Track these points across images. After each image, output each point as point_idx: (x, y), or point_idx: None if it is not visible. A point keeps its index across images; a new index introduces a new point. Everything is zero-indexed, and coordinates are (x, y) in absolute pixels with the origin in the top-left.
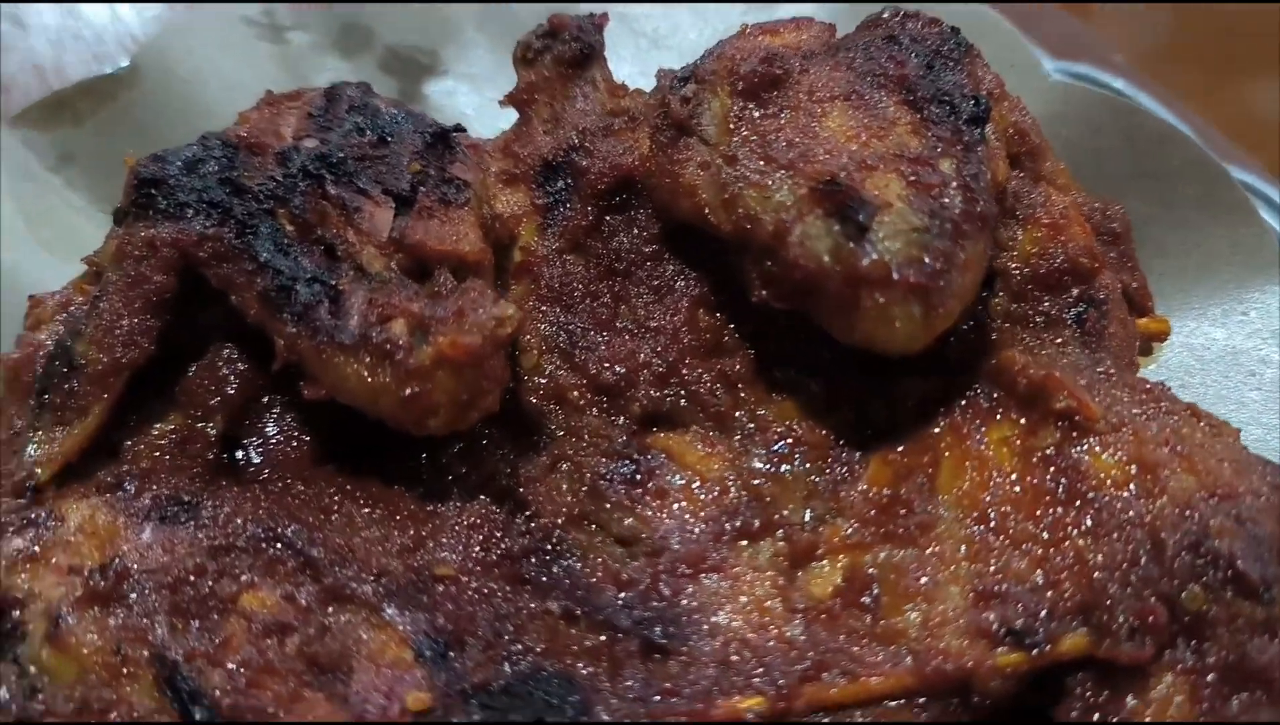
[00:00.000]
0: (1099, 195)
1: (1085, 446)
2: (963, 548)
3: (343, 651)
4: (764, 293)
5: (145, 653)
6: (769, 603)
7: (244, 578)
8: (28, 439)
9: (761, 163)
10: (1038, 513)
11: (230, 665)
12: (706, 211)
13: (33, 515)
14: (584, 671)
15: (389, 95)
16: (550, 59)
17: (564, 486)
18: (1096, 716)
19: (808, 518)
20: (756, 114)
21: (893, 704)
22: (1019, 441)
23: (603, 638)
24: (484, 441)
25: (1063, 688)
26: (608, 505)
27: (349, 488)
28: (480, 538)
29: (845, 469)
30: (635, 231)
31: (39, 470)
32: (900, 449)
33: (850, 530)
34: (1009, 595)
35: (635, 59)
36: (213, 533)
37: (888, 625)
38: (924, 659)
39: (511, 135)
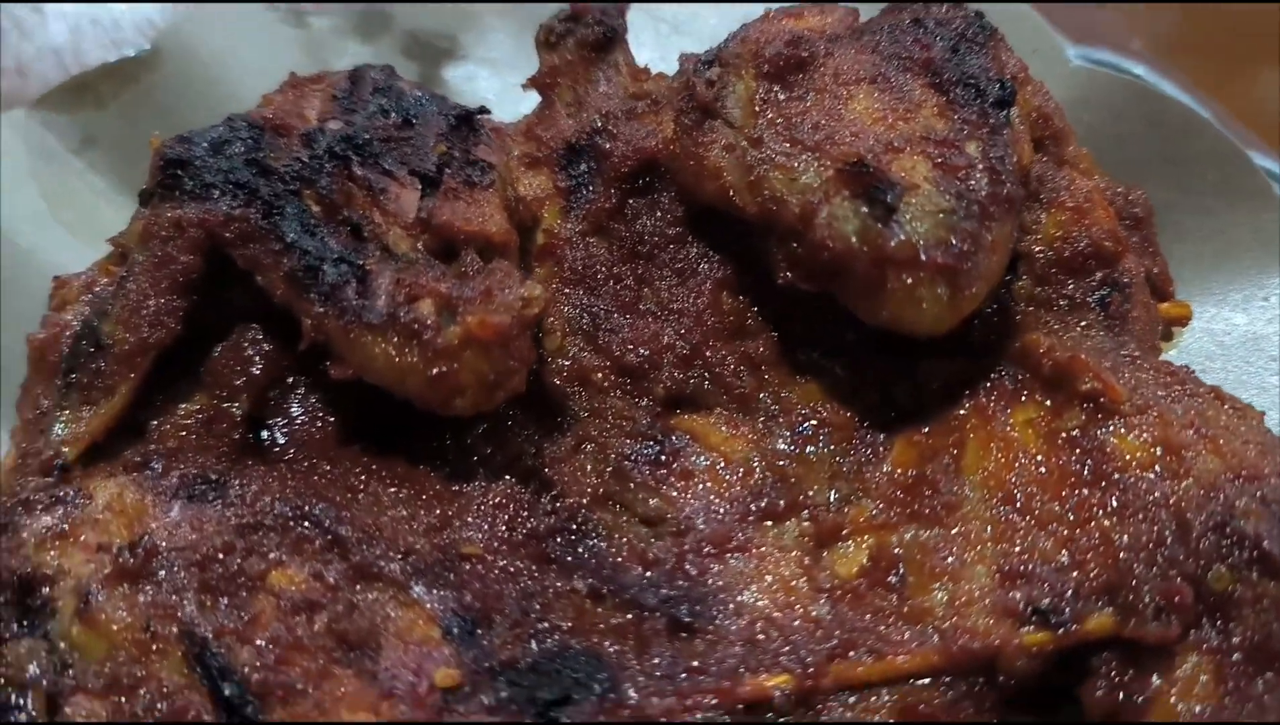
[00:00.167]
0: (1121, 180)
1: (1110, 428)
2: (988, 528)
3: (371, 629)
4: (789, 274)
5: (174, 629)
6: (795, 582)
7: (272, 556)
8: (54, 418)
9: (787, 145)
10: (1063, 493)
11: (259, 642)
12: (731, 194)
13: (61, 493)
14: (611, 649)
15: (410, 80)
16: (573, 43)
17: (589, 467)
18: (1121, 696)
19: (833, 498)
20: (782, 96)
21: (919, 683)
22: (1044, 423)
23: (629, 616)
24: (509, 422)
25: (1088, 667)
26: (632, 486)
27: (375, 467)
28: (506, 517)
29: (870, 450)
30: (658, 214)
31: (66, 449)
32: (925, 430)
33: (875, 510)
34: (1035, 575)
35: (655, 44)
36: (240, 511)
37: (914, 605)
38: (950, 638)
39: (534, 119)
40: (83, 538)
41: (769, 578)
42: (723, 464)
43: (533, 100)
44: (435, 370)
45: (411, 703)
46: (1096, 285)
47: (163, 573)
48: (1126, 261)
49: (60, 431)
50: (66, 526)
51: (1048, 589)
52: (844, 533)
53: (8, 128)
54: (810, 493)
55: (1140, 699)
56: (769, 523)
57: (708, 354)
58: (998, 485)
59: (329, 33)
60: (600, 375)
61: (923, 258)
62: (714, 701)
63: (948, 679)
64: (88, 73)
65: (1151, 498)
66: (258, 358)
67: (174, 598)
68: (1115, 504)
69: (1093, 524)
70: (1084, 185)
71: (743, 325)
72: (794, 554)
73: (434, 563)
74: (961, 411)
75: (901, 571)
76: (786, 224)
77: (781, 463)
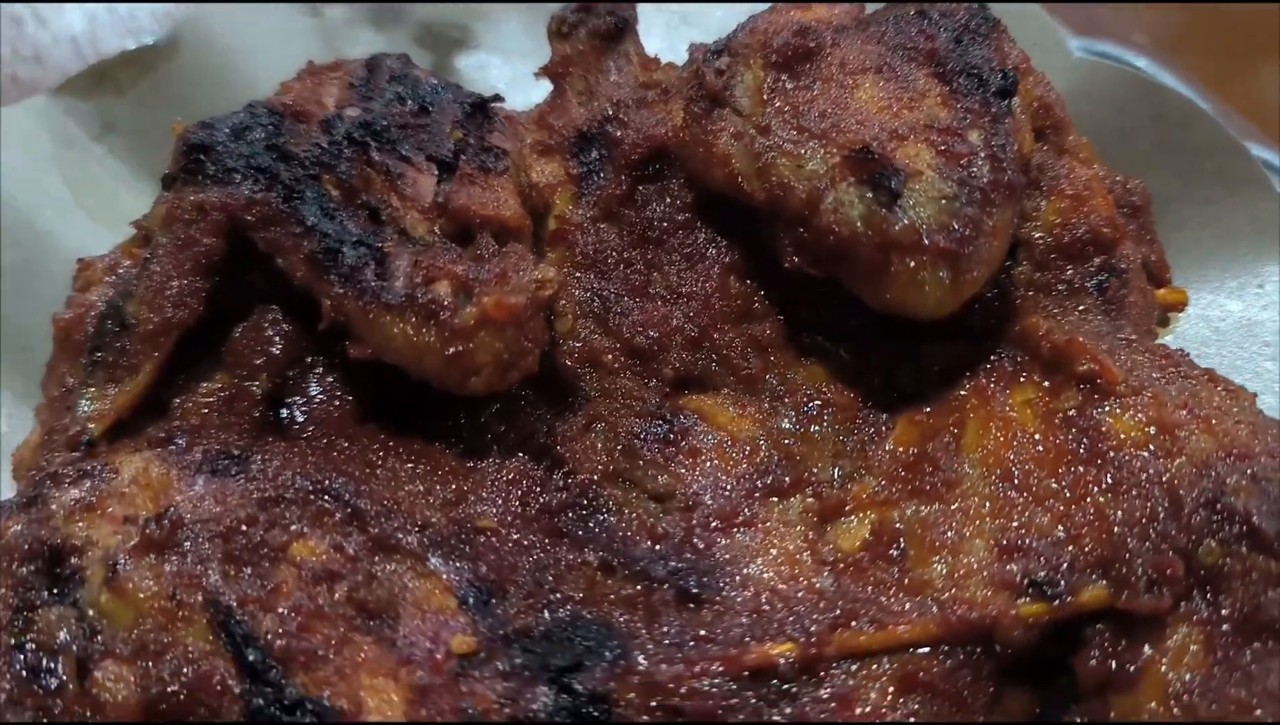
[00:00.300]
0: (1121, 170)
1: (1106, 408)
2: (987, 504)
3: (390, 598)
4: (796, 259)
5: (199, 598)
6: (799, 555)
7: (293, 528)
8: (80, 395)
9: (794, 133)
10: (1060, 471)
11: (281, 610)
12: (740, 180)
13: (88, 467)
14: (621, 619)
15: (424, 68)
16: (585, 32)
17: (599, 445)
18: (1114, 665)
19: (836, 475)
20: (789, 85)
21: (919, 651)
22: (1042, 403)
23: (639, 587)
24: (521, 402)
25: (1082, 638)
26: (642, 463)
27: (392, 445)
28: (519, 493)
29: (873, 429)
30: (668, 200)
31: (92, 425)
32: (927, 410)
33: (878, 487)
34: (1031, 549)
35: (665, 35)
36: (262, 485)
37: (914, 577)
38: (949, 609)
39: (546, 107)
40: (110, 510)
41: (774, 551)
42: (730, 442)
43: (543, 89)
44: (452, 350)
45: (429, 668)
46: (1094, 271)
47: (188, 543)
48: (1124, 248)
49: (86, 408)
50: (94, 499)
51: (1044, 562)
52: (847, 508)
53: (30, 114)
54: (814, 470)
55: (1132, 668)
56: (774, 498)
57: (715, 336)
58: (996, 463)
59: (343, 23)
60: (611, 357)
61: (926, 242)
62: (720, 668)
63: (946, 648)
64: (107, 61)
65: (1145, 475)
66: (277, 338)
67: (199, 568)
68: (1110, 481)
69: (1088, 500)
70: (1083, 174)
71: (750, 309)
72: (798, 528)
73: (450, 535)
74: (962, 392)
75: (902, 545)
76: (793, 210)
77: (787, 441)
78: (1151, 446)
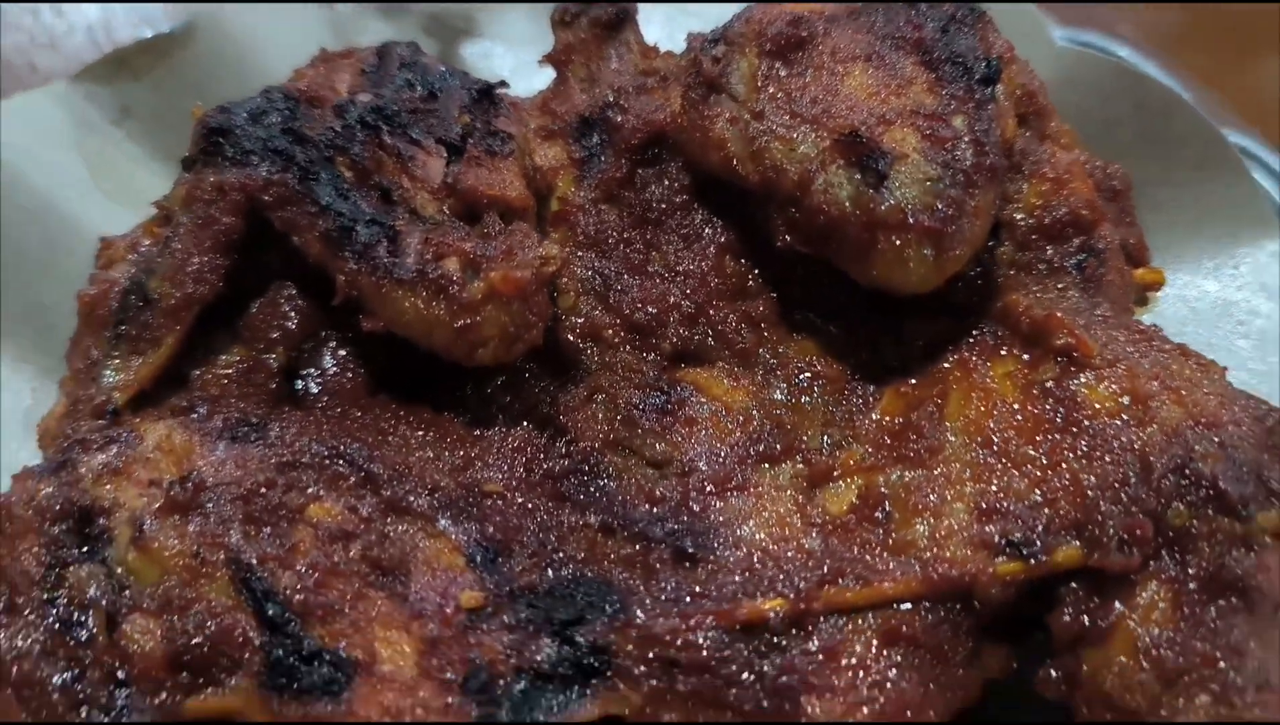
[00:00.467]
0: (1103, 156)
1: (1082, 380)
2: (968, 469)
3: (401, 556)
4: (788, 238)
5: (221, 556)
6: (789, 518)
7: (310, 490)
8: (105, 366)
9: (787, 118)
10: (1037, 438)
11: (299, 567)
12: (735, 163)
13: (114, 434)
14: (621, 577)
15: (431, 56)
16: (586, 21)
17: (600, 415)
18: (1086, 621)
19: (825, 443)
20: (783, 73)
21: (902, 607)
22: (1021, 375)
23: (637, 547)
24: (526, 374)
25: (1056, 596)
26: (640, 431)
27: (403, 414)
28: (524, 459)
29: (860, 400)
30: (666, 183)
31: (117, 395)
32: (912, 382)
33: (864, 454)
34: (1009, 512)
35: (664, 23)
36: (280, 451)
37: (898, 538)
38: (931, 567)
39: (549, 93)
40: (135, 473)
41: (765, 514)
42: (724, 412)
43: (546, 76)
44: (460, 323)
45: (439, 622)
46: (1074, 251)
47: (210, 505)
48: (1102, 229)
49: (111, 378)
50: (120, 463)
51: (1020, 524)
52: (835, 474)
53: (51, 99)
54: (804, 438)
55: (1104, 624)
56: (766, 465)
57: (711, 313)
58: (977, 431)
59: (353, 12)
60: (611, 332)
61: (910, 221)
62: (714, 622)
63: (927, 605)
64: (125, 48)
65: (1118, 442)
66: (293, 313)
67: (220, 528)
68: (1084, 448)
69: (1063, 466)
70: (1064, 158)
71: (744, 286)
72: (789, 493)
73: (458, 499)
74: (946, 365)
75: (887, 508)
76: (785, 191)
77: (778, 411)
78: (1124, 416)
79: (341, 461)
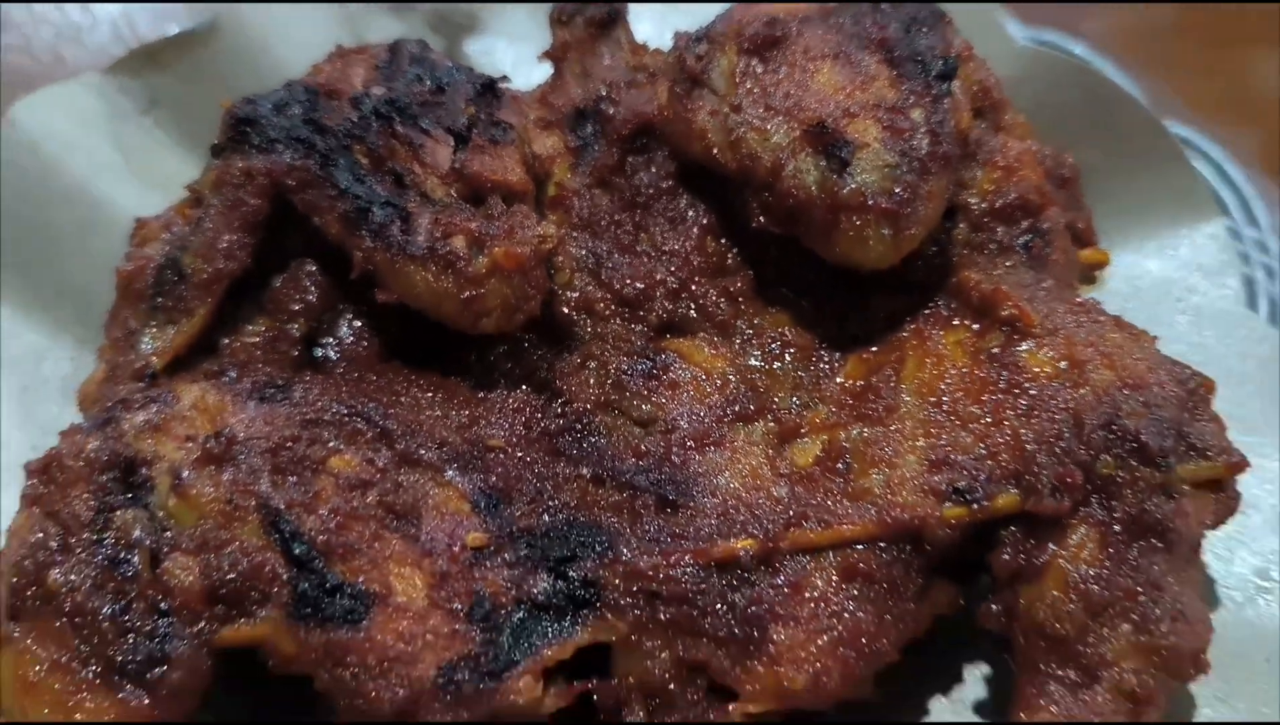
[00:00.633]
0: (1056, 145)
1: (1024, 347)
2: (920, 426)
3: (414, 503)
4: (762, 220)
5: (252, 502)
6: (760, 469)
7: (331, 444)
8: (142, 335)
9: (762, 110)
10: (983, 398)
11: (322, 512)
12: (715, 152)
13: (153, 394)
14: (609, 521)
15: (438, 52)
16: (582, 20)
17: (592, 380)
18: (1023, 559)
19: (794, 404)
20: (759, 69)
21: (859, 547)
22: (970, 343)
23: (624, 495)
24: (525, 343)
25: (997, 538)
26: (628, 394)
27: (413, 377)
28: (523, 418)
29: (826, 366)
30: (653, 170)
31: (155, 360)
32: (873, 349)
33: (829, 414)
34: (956, 463)
35: (654, 22)
36: (303, 409)
37: (856, 486)
38: (885, 512)
39: (547, 87)
40: (173, 429)
41: (739, 466)
42: (704, 377)
43: (544, 71)
44: (466, 295)
45: (447, 559)
46: (1022, 232)
47: (241, 457)
48: (1049, 213)
49: (149, 345)
50: (159, 420)
51: (966, 474)
52: (802, 431)
53: (85, 89)
54: (776, 400)
55: (1038, 562)
56: (741, 423)
57: (694, 288)
58: (929, 392)
59: (364, 10)
60: (602, 305)
61: (870, 204)
62: (692, 560)
63: (882, 545)
64: (153, 43)
65: (1054, 402)
66: (313, 287)
67: (251, 477)
68: (1024, 407)
69: (1005, 423)
70: (1016, 147)
71: (724, 264)
72: (760, 448)
73: (464, 452)
74: (903, 333)
75: (848, 461)
76: (760, 177)
77: (753, 376)
78: (1061, 379)
79: (359, 419)
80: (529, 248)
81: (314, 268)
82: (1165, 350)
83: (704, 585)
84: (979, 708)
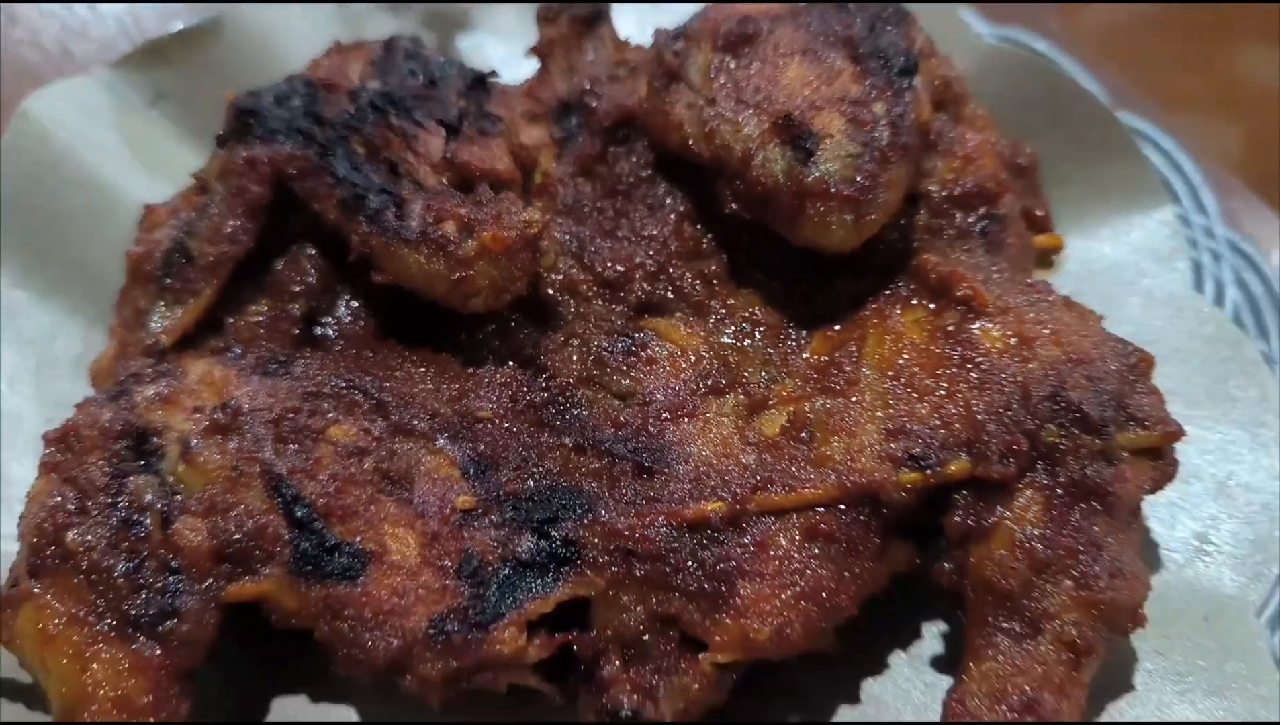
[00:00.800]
0: (1014, 138)
1: (978, 325)
2: (879, 398)
3: (407, 469)
4: (734, 206)
5: (256, 468)
6: (730, 439)
7: (330, 415)
8: (151, 314)
9: (734, 104)
10: (938, 373)
11: (322, 478)
12: (690, 142)
13: (163, 369)
14: (590, 485)
15: (430, 48)
16: (567, 18)
17: (574, 356)
18: (973, 521)
19: (763, 378)
20: (732, 65)
21: (820, 510)
22: (928, 321)
23: (604, 462)
24: (512, 322)
25: (949, 502)
26: (608, 370)
27: (407, 354)
28: (510, 392)
29: (794, 343)
30: (634, 160)
31: (164, 337)
32: (837, 327)
33: (795, 387)
34: (912, 432)
35: (636, 19)
36: (304, 383)
37: (819, 453)
38: (845, 477)
39: (534, 82)
40: (182, 402)
41: (711, 435)
42: (679, 353)
43: (530, 66)
44: (457, 276)
45: (438, 520)
46: (979, 218)
47: (246, 427)
48: (1005, 200)
49: (158, 324)
50: (168, 393)
51: (920, 442)
52: (770, 404)
53: (94, 83)
54: (746, 374)
55: (987, 523)
56: (713, 396)
57: (671, 271)
58: (888, 367)
59: (361, 8)
60: (585, 287)
61: (832, 191)
62: (665, 521)
63: (843, 507)
64: (159, 39)
65: (1004, 376)
66: (312, 269)
67: (255, 446)
68: (976, 380)
69: (958, 395)
70: (974, 138)
71: (699, 249)
72: (730, 419)
73: (454, 423)
74: (866, 312)
75: (812, 430)
76: (732, 166)
77: (725, 353)
78: (1011, 354)
79: (356, 392)
80: (516, 232)
81: (313, 251)
82: (1117, 330)
83: (676, 544)
84: (935, 661)
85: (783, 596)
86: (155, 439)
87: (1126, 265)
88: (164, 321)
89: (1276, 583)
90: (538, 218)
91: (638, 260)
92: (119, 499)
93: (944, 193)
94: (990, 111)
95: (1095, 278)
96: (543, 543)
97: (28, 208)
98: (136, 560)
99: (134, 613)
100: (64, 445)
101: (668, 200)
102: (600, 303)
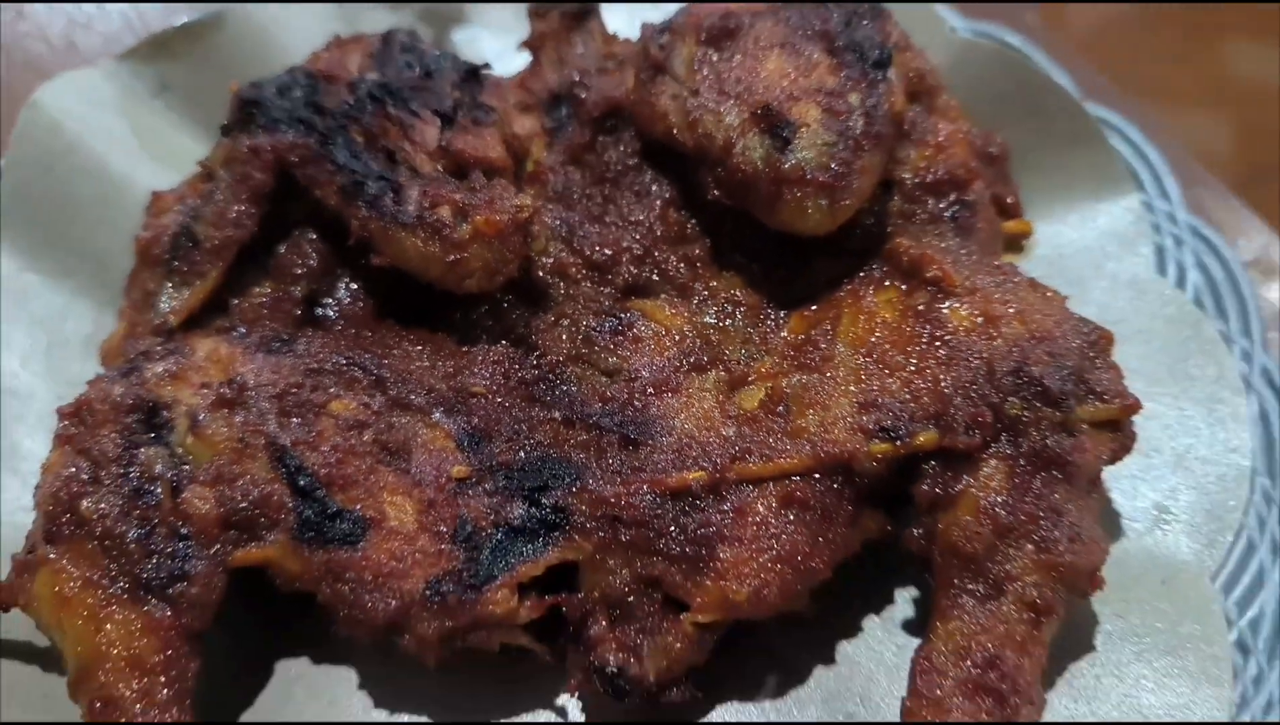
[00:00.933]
0: (986, 127)
1: (947, 304)
2: (852, 374)
3: (405, 441)
4: (716, 193)
5: (261, 441)
6: (711, 412)
7: (331, 390)
8: (160, 296)
9: (716, 95)
10: (908, 350)
11: (324, 449)
12: (675, 131)
13: (171, 347)
14: (578, 456)
15: (426, 41)
16: (557, 13)
17: (564, 336)
18: (940, 489)
19: (743, 356)
20: (715, 58)
21: (795, 478)
22: (899, 301)
23: (591, 435)
24: (504, 303)
25: (918, 471)
26: (597, 348)
27: (404, 333)
28: (502, 369)
29: (773, 322)
30: (621, 148)
31: (172, 318)
32: (814, 307)
33: (773, 364)
34: (883, 405)
35: (626, 14)
36: (307, 360)
37: (795, 426)
38: (819, 447)
39: (526, 74)
40: (190, 378)
41: (693, 409)
42: (664, 333)
43: (522, 59)
44: (451, 258)
45: (435, 489)
46: (950, 204)
47: (251, 402)
48: (975, 187)
49: (166, 305)
50: (177, 369)
51: (891, 414)
52: (750, 380)
53: (101, 75)
54: (727, 352)
55: (954, 492)
56: (695, 373)
57: (657, 255)
58: (861, 344)
59: (360, 4)
60: (574, 270)
61: (808, 177)
62: (649, 489)
63: (817, 476)
64: (164, 33)
65: (970, 352)
66: (313, 253)
67: (260, 419)
68: (944, 356)
69: (927, 371)
70: (946, 128)
71: (684, 233)
72: (712, 394)
73: (450, 398)
74: (840, 293)
75: (788, 404)
76: (714, 154)
77: (708, 332)
78: (978, 332)
79: (356, 368)
80: (508, 217)
81: (314, 235)
82: (1084, 311)
83: (660, 511)
84: (906, 624)
85: (760, 560)
86: (165, 413)
87: (1093, 249)
88: (172, 302)
89: (1230, 549)
90: (529, 203)
91: (625, 244)
92: (130, 469)
93: (916, 180)
94: (963, 102)
95: (1063, 261)
96: (533, 510)
97: (39, 194)
98: (148, 527)
99: (145, 576)
100: (78, 419)
101: (653, 187)
102: (589, 285)
